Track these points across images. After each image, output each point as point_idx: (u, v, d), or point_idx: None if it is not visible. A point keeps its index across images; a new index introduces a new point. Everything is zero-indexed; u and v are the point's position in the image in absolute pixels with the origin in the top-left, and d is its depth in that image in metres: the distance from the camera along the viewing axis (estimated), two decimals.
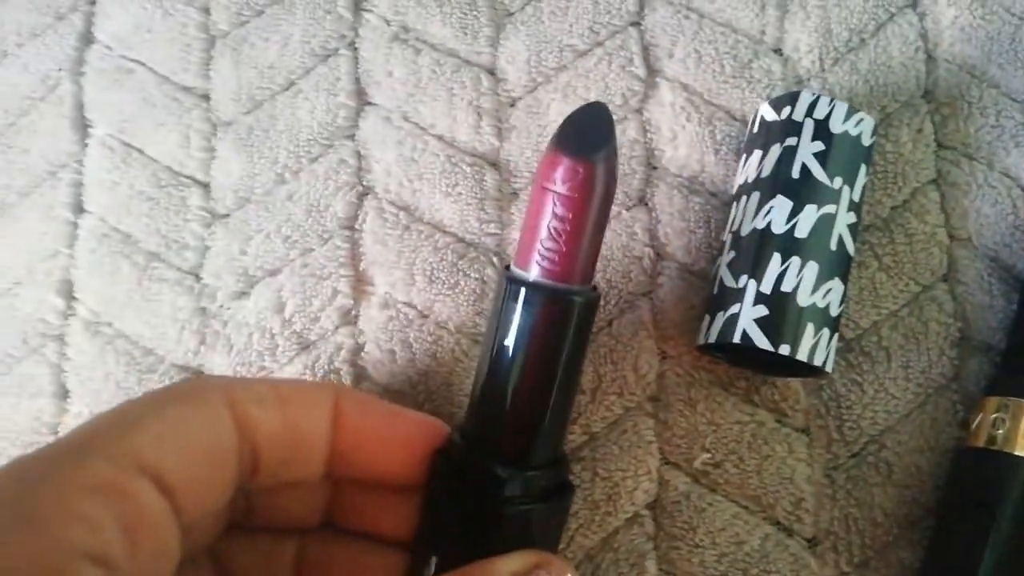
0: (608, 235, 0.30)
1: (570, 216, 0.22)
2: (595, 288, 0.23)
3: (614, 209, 0.30)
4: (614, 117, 0.29)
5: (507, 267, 0.23)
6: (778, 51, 0.32)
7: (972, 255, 0.30)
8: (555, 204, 0.22)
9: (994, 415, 0.27)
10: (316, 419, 0.22)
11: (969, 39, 0.32)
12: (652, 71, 0.31)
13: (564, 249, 0.22)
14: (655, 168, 0.31)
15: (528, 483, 0.22)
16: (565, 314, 0.22)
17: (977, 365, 0.29)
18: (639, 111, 0.31)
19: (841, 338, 0.29)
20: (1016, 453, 0.26)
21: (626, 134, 0.31)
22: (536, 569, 0.21)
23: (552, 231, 0.22)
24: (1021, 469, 0.26)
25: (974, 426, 0.28)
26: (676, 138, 0.31)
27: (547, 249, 0.22)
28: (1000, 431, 0.27)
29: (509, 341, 0.22)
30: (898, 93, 0.31)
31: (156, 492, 0.18)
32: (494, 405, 0.23)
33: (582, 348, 0.23)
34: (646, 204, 0.30)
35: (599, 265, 0.29)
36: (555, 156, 0.22)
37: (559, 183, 0.21)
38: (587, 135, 0.22)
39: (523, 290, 0.22)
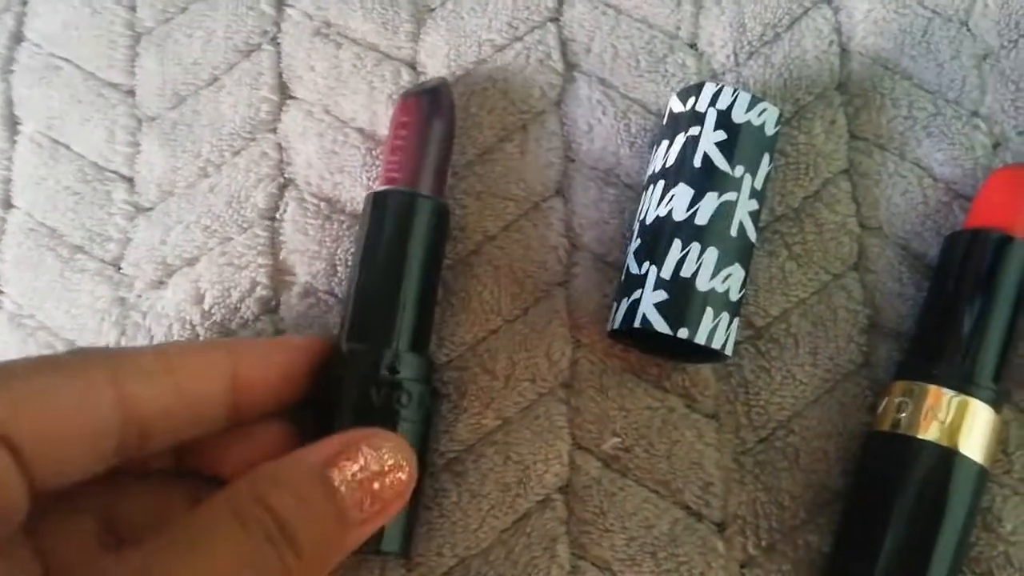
0: (524, 226, 0.32)
1: (404, 131, 0.29)
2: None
3: (531, 200, 0.32)
4: (532, 110, 0.31)
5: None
6: (693, 46, 0.34)
7: (883, 244, 0.32)
8: (397, 127, 0.29)
9: (899, 399, 0.29)
10: (212, 385, 0.23)
11: (882, 32, 0.34)
12: (570, 65, 0.33)
13: (405, 158, 0.29)
14: (572, 160, 0.33)
15: (391, 376, 0.27)
16: (409, 212, 0.29)
17: (887, 351, 0.31)
18: (557, 104, 0.33)
19: (751, 326, 0.31)
20: (918, 436, 0.28)
21: (545, 127, 0.33)
22: (345, 451, 0.22)
23: (394, 146, 0.29)
24: (923, 452, 0.28)
25: (880, 410, 0.29)
26: (592, 131, 0.33)
27: (391, 161, 0.29)
28: (903, 415, 0.28)
29: (370, 249, 0.29)
30: (812, 86, 0.33)
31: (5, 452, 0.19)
32: (360, 311, 0.28)
33: (434, 252, 0.29)
34: (562, 196, 0.32)
35: (517, 254, 0.31)
36: (400, 99, 0.31)
37: (400, 114, 0.30)
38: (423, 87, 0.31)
39: (375, 198, 0.29)
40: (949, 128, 0.33)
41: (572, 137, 0.33)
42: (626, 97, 0.33)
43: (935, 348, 0.29)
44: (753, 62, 0.33)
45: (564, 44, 0.34)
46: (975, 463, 0.27)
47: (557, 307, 0.31)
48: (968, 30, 0.34)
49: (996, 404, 0.28)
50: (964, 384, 0.28)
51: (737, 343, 0.31)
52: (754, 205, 0.29)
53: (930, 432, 0.28)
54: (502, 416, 0.30)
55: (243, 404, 0.24)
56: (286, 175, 0.32)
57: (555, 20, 0.34)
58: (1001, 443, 0.30)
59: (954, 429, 0.27)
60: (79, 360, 0.21)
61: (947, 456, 0.27)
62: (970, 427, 0.28)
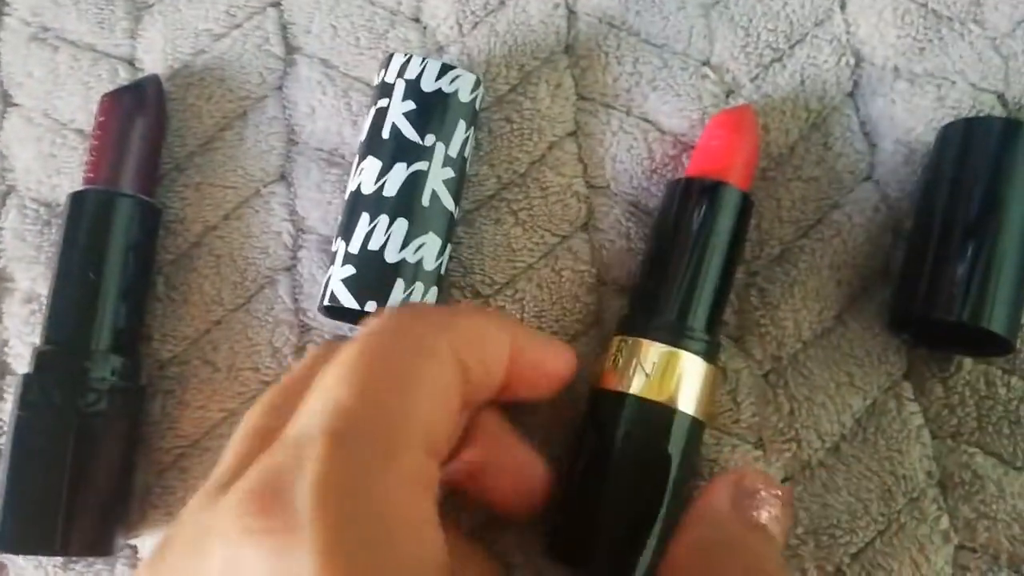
0: (245, 213, 0.31)
1: (101, 131, 0.29)
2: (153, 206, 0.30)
3: (251, 187, 0.32)
4: (252, 96, 0.31)
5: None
6: (417, 20, 0.33)
7: (610, 202, 0.31)
8: (96, 127, 0.30)
9: (613, 355, 0.28)
10: (500, 361, 0.24)
11: None
12: (290, 48, 0.33)
13: (103, 157, 0.29)
14: (295, 144, 0.32)
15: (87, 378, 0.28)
16: (108, 212, 0.29)
17: (617, 308, 0.31)
18: (279, 88, 0.33)
19: (478, 295, 0.31)
20: (624, 391, 0.27)
21: (265, 112, 0.32)
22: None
23: (92, 146, 0.30)
24: (626, 405, 0.27)
25: (599, 368, 0.29)
26: (314, 112, 0.32)
27: (89, 161, 0.29)
28: (614, 370, 0.28)
29: (68, 250, 0.29)
30: (538, 51, 0.33)
31: (436, 467, 0.20)
32: (58, 313, 0.29)
33: (138, 250, 0.29)
34: (285, 180, 0.32)
35: (237, 243, 0.31)
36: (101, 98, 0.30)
37: (98, 114, 0.30)
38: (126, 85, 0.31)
39: (72, 198, 0.29)
40: (676, 80, 0.32)
41: (294, 120, 0.32)
42: (347, 76, 0.33)
43: (650, 301, 0.29)
44: (478, 32, 0.33)
45: (284, 28, 0.33)
46: (684, 414, 0.27)
47: (281, 292, 0.31)
48: None
49: (709, 355, 0.28)
50: (673, 336, 0.27)
51: None
52: (449, 173, 0.29)
53: (635, 386, 0.27)
54: (226, 408, 0.30)
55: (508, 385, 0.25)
56: (7, 182, 0.32)
57: (276, 5, 0.33)
58: (729, 392, 0.30)
59: (661, 382, 0.27)
60: (431, 338, 0.22)
61: (653, 409, 0.27)
62: (678, 379, 0.27)
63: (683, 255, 0.28)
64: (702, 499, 0.25)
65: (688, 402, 0.27)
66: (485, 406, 0.25)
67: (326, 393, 0.20)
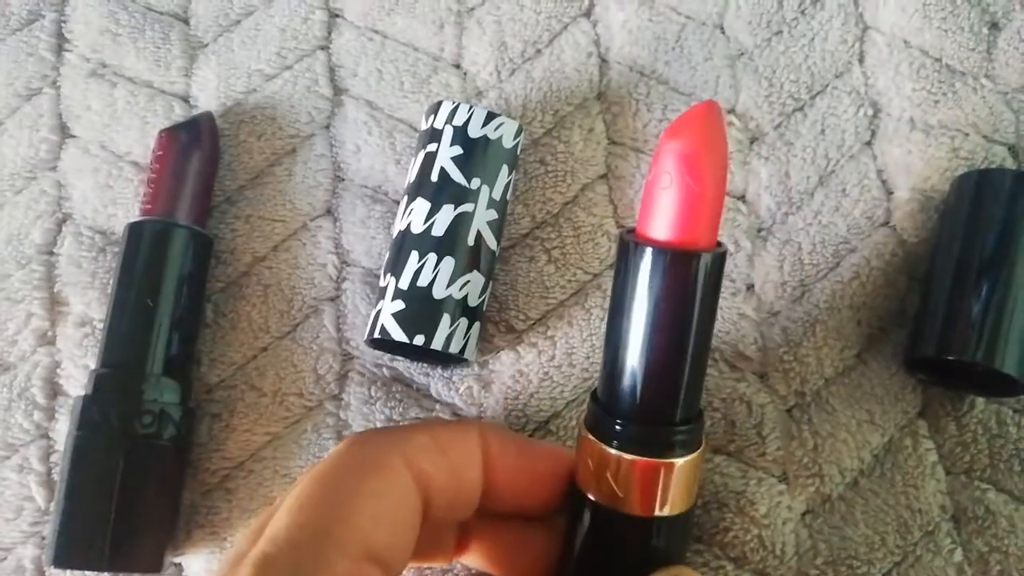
0: (293, 245, 0.33)
1: (159, 164, 0.31)
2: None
3: (299, 220, 0.33)
4: (301, 134, 0.32)
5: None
6: (458, 66, 0.35)
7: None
8: (153, 160, 0.31)
9: (585, 454, 0.24)
10: (472, 464, 0.24)
11: (637, 41, 0.35)
12: (338, 90, 0.35)
13: (160, 190, 0.31)
14: (342, 180, 0.34)
15: (140, 400, 0.29)
16: (164, 241, 0.30)
17: None
18: (327, 127, 0.34)
19: (512, 330, 0.32)
20: (597, 500, 0.24)
21: (313, 150, 0.34)
22: None
23: (150, 178, 0.31)
24: (605, 515, 0.24)
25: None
26: (360, 151, 0.34)
27: (146, 193, 0.31)
28: (588, 471, 0.24)
29: (125, 277, 0.30)
30: (571, 97, 0.34)
31: (379, 572, 0.21)
32: (114, 338, 0.30)
33: (191, 278, 0.31)
34: (331, 214, 0.33)
35: (284, 273, 0.32)
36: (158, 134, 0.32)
37: (156, 148, 0.32)
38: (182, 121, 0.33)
39: (131, 228, 0.31)
40: None
41: (341, 158, 0.34)
42: (391, 117, 0.34)
43: (618, 393, 0.23)
44: (515, 78, 0.35)
45: (332, 70, 0.35)
46: (662, 518, 0.23)
47: (325, 322, 0.32)
48: (722, 32, 0.35)
49: (690, 446, 0.24)
50: (647, 445, 0.23)
51: (499, 349, 0.32)
52: (493, 215, 0.30)
53: (608, 497, 0.23)
54: (270, 432, 0.31)
55: (491, 491, 0.25)
56: (64, 211, 0.34)
57: (324, 48, 0.35)
58: (754, 427, 0.31)
59: (640, 494, 0.23)
60: (377, 454, 0.23)
61: (630, 520, 0.23)
62: (658, 488, 0.23)
63: (651, 342, 0.23)
64: None
65: (670, 505, 0.23)
66: (484, 512, 0.26)
67: (271, 523, 0.21)
